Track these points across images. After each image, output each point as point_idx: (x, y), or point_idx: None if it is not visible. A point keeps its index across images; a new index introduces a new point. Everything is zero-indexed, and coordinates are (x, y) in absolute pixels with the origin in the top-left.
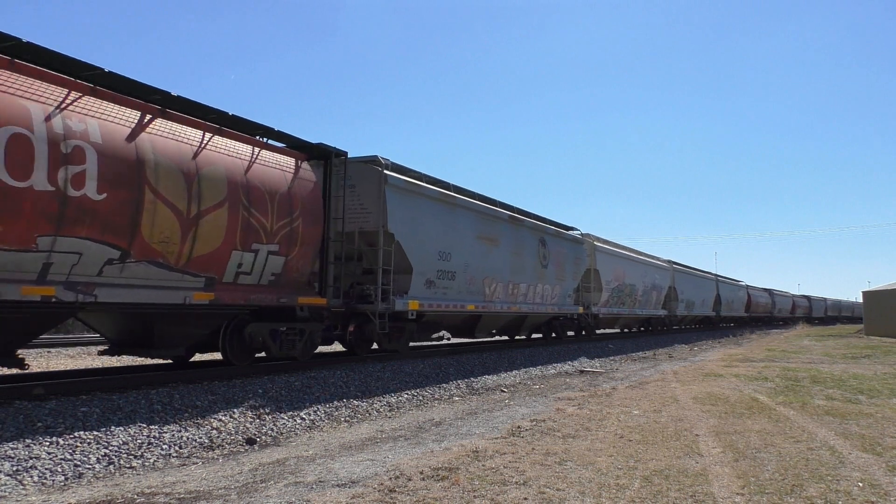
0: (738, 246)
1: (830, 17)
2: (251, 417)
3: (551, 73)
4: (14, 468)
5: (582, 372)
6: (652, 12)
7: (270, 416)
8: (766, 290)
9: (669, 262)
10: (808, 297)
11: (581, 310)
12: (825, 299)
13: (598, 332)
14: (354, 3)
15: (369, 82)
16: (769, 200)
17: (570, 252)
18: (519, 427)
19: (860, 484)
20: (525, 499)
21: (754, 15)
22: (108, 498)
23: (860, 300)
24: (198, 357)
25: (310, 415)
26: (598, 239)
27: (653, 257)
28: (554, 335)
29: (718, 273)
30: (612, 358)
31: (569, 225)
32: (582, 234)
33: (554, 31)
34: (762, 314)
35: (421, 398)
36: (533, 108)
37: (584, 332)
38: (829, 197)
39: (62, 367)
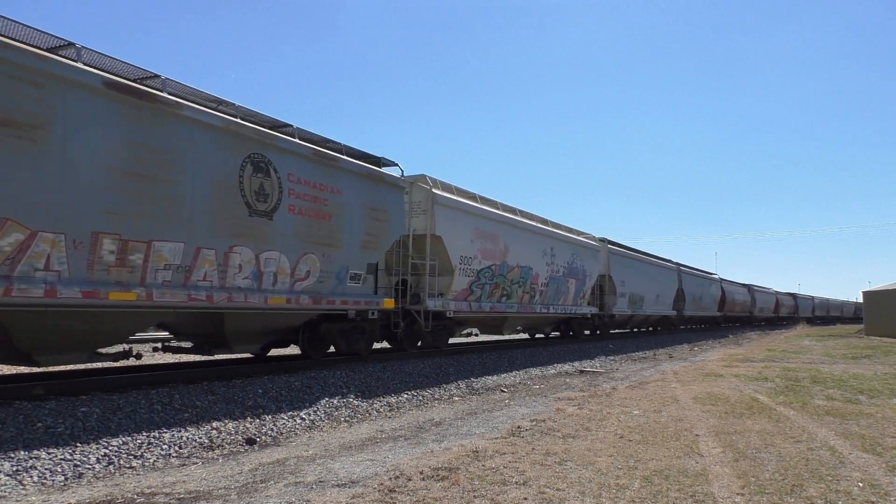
0: (738, 246)
1: (830, 17)
2: (251, 417)
3: (551, 73)
4: (14, 468)
5: (582, 372)
6: (652, 12)
7: (270, 416)
8: (744, 285)
9: (603, 240)
10: (793, 295)
11: (389, 303)
12: (812, 297)
13: (454, 341)
14: (354, 3)
15: (369, 82)
16: (769, 200)
17: (356, 196)
18: (519, 427)
19: (860, 484)
20: (525, 499)
21: (754, 15)
22: (108, 498)
23: (850, 299)
24: (195, 357)
25: (310, 415)
26: (443, 185)
27: (570, 230)
28: (334, 348)
29: (683, 262)
30: (611, 358)
31: (380, 157)
32: (405, 175)
33: (554, 31)
34: (740, 313)
35: (421, 398)
36: (533, 108)
37: (420, 343)
38: (829, 197)
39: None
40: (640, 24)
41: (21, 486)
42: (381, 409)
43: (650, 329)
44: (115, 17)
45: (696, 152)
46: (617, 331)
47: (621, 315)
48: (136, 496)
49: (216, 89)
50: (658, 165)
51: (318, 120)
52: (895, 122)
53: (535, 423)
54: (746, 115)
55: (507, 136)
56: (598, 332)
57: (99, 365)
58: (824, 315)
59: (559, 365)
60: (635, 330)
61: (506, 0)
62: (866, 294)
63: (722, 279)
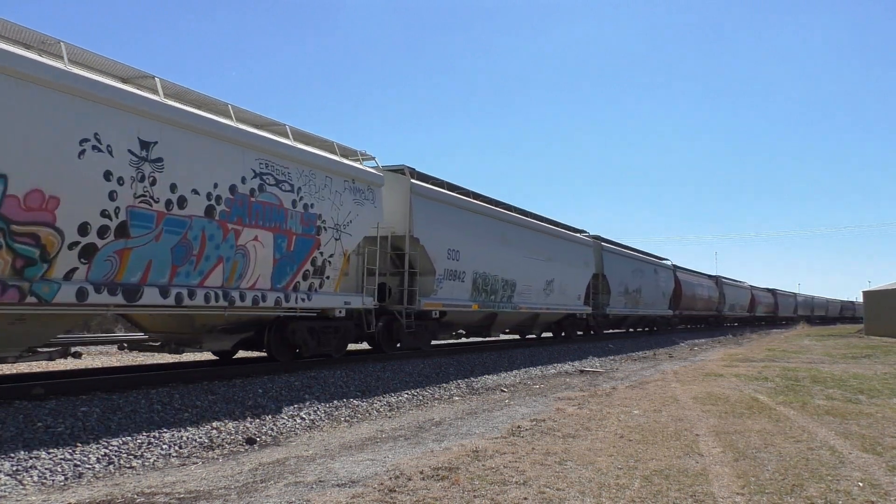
0: (738, 246)
1: (830, 17)
2: (251, 417)
3: (551, 73)
4: (14, 468)
5: (582, 372)
6: (652, 12)
7: (270, 416)
8: (711, 276)
9: (398, 169)
10: (772, 291)
11: None
12: (795, 294)
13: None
14: (354, 3)
15: (369, 82)
16: (768, 200)
17: None
18: (519, 427)
19: (860, 484)
20: (525, 499)
21: (754, 15)
22: (108, 498)
23: (836, 298)
24: (197, 356)
25: (310, 415)
26: None
27: (323, 144)
28: None
29: (611, 239)
30: (612, 357)
31: None
32: None
33: (554, 31)
34: (703, 311)
35: (421, 398)
36: (533, 108)
37: None
38: (829, 197)
39: (62, 367)
40: (640, 24)
41: (21, 486)
42: (381, 409)
43: (551, 335)
44: (116, 18)
45: (695, 151)
46: (461, 340)
47: (457, 311)
48: (136, 496)
49: (216, 89)
50: (657, 164)
51: (319, 119)
52: (895, 122)
53: (535, 422)
54: (746, 115)
55: (506, 136)
56: (398, 344)
57: (99, 364)
58: (808, 315)
59: (559, 365)
60: (532, 337)
61: (506, 0)
62: (866, 294)
63: (676, 266)
